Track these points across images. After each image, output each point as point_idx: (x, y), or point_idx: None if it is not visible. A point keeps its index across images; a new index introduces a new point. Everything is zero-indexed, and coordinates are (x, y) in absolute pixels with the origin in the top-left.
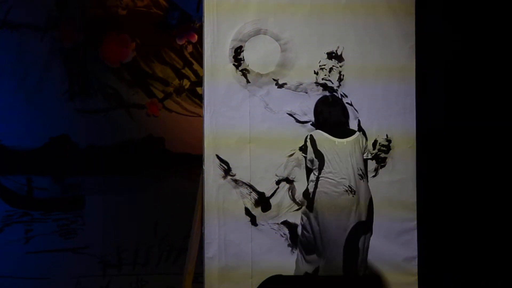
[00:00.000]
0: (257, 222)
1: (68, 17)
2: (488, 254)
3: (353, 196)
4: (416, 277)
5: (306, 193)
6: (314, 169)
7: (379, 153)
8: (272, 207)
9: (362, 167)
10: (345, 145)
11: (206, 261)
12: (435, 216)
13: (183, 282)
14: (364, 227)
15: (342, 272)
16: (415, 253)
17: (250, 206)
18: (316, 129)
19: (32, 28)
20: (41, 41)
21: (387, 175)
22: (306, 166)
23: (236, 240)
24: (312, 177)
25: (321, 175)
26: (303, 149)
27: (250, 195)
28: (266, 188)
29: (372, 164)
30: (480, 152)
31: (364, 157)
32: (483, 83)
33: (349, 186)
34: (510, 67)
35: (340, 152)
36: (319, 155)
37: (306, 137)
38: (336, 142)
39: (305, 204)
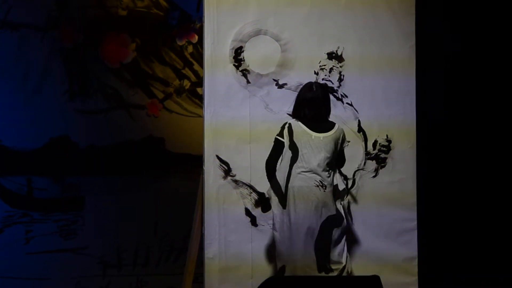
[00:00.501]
0: (257, 223)
1: (68, 17)
2: (488, 253)
3: (324, 191)
4: (416, 277)
5: (276, 187)
6: (282, 159)
7: (379, 153)
8: (272, 207)
9: (333, 162)
10: (321, 140)
11: (206, 261)
12: (435, 216)
13: (183, 283)
14: (335, 221)
15: (315, 267)
16: (415, 253)
17: (250, 206)
18: (294, 116)
19: (32, 28)
20: (41, 41)
21: (387, 175)
22: (276, 150)
23: (236, 240)
24: (283, 168)
25: (292, 170)
26: (279, 133)
27: (250, 195)
28: (266, 188)
29: (372, 164)
30: (480, 152)
31: (339, 149)
32: (484, 83)
33: (320, 181)
34: (510, 67)
35: (314, 147)
36: (293, 147)
37: (284, 125)
38: (313, 137)
39: (277, 200)
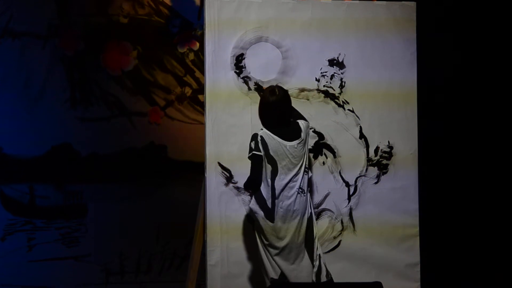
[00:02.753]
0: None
1: (69, 25)
2: (490, 260)
3: (304, 196)
4: (418, 283)
5: (261, 202)
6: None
7: (381, 159)
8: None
9: (307, 163)
10: (296, 148)
11: (208, 268)
12: (437, 222)
13: None
14: (312, 218)
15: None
16: (417, 259)
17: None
18: (261, 120)
19: (34, 36)
20: (43, 49)
21: (389, 181)
22: (258, 167)
23: (239, 247)
24: (266, 183)
25: (275, 183)
26: (255, 147)
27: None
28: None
29: (374, 171)
30: (482, 159)
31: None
32: (485, 88)
33: (299, 188)
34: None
35: (291, 156)
36: (271, 161)
37: (256, 138)
38: (288, 147)
39: (263, 215)
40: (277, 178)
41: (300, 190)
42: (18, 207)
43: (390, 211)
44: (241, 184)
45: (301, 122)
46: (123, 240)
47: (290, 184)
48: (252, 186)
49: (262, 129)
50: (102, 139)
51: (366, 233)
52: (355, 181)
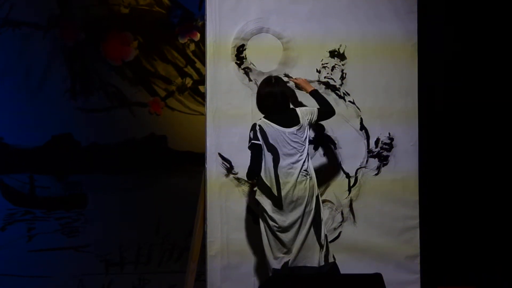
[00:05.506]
0: (259, 221)
1: (70, 16)
2: (490, 251)
3: (310, 179)
4: (418, 275)
5: (267, 192)
6: (264, 162)
7: (381, 151)
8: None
9: (307, 146)
10: (296, 134)
11: (208, 259)
12: (438, 214)
13: (185, 281)
14: (319, 201)
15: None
16: (417, 251)
17: (252, 204)
18: (259, 110)
19: (34, 27)
20: (43, 40)
21: (390, 173)
22: (258, 155)
23: (239, 238)
24: (268, 172)
25: (278, 170)
26: (253, 137)
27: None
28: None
29: (374, 162)
30: (483, 150)
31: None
32: (487, 82)
33: (304, 170)
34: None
35: (292, 142)
36: (272, 149)
37: (255, 128)
38: (287, 133)
39: (270, 203)
40: (279, 165)
41: (305, 172)
42: (18, 197)
43: (390, 202)
44: (241, 175)
45: (298, 109)
46: (123, 230)
47: (291, 171)
48: (251, 175)
49: (260, 119)
50: (102, 129)
51: (366, 225)
52: (356, 173)
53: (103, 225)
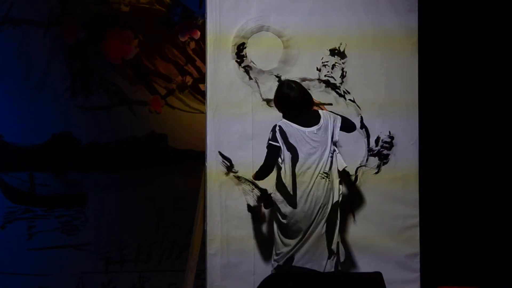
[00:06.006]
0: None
1: (70, 14)
2: (490, 250)
3: (329, 180)
4: (418, 274)
5: (283, 190)
6: (283, 161)
7: (381, 149)
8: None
9: (331, 148)
10: (316, 133)
11: (208, 257)
12: (438, 213)
13: (185, 279)
14: (337, 207)
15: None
16: (417, 249)
17: (252, 202)
18: (281, 112)
19: (34, 25)
20: (43, 38)
21: (390, 171)
22: (272, 157)
23: (239, 237)
24: (286, 170)
25: (296, 170)
26: (272, 137)
27: (252, 191)
28: (269, 184)
29: (374, 161)
30: (483, 150)
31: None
32: (487, 80)
33: (324, 172)
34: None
35: (311, 141)
36: (291, 148)
37: (275, 128)
38: (307, 133)
39: (285, 201)
40: (298, 164)
41: (325, 174)
42: (18, 195)
43: (390, 201)
44: (241, 173)
45: (321, 111)
46: (122, 228)
47: (308, 170)
48: (261, 174)
49: (281, 120)
50: (102, 127)
51: (366, 223)
52: (356, 171)
53: (103, 223)
